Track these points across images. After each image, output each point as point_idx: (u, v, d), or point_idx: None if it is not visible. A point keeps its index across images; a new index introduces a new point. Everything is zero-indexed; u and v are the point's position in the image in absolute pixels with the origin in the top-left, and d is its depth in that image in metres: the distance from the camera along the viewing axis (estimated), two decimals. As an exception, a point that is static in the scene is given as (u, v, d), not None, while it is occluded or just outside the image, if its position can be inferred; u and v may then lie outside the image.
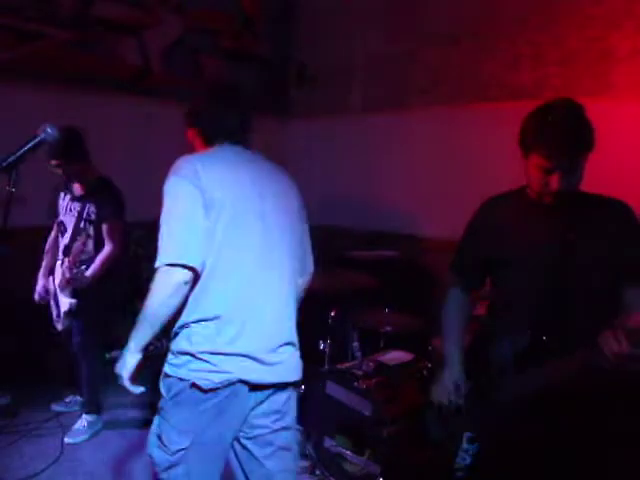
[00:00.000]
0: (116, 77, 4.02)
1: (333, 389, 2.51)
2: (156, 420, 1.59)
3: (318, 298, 3.20)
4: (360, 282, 3.15)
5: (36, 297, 2.95)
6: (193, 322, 1.51)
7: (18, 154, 1.50)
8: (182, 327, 1.53)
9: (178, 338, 1.54)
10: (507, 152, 3.43)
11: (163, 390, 1.56)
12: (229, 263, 1.52)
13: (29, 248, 2.93)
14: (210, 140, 1.70)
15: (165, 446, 1.53)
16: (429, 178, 3.98)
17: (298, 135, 5.06)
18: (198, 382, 1.48)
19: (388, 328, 2.90)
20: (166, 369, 1.55)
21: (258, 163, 1.71)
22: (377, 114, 4.38)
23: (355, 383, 2.45)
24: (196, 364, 1.49)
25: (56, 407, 3.18)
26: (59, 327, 2.91)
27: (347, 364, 2.74)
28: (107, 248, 2.81)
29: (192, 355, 1.49)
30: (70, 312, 2.82)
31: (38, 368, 3.23)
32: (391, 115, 4.27)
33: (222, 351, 1.50)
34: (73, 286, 2.75)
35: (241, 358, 1.51)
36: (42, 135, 1.55)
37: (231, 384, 1.50)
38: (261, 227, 1.58)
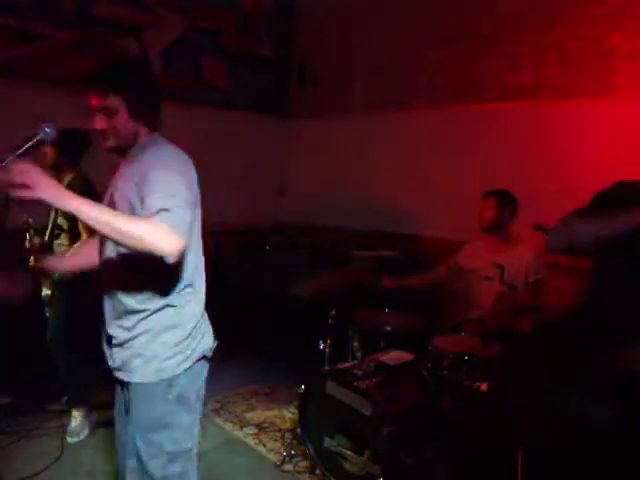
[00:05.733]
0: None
1: (333, 389, 2.51)
2: (159, 438, 1.59)
3: (318, 298, 3.21)
4: (360, 282, 3.15)
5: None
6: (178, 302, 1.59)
7: (17, 154, 1.50)
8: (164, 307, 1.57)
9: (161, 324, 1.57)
10: (507, 152, 3.45)
11: (160, 398, 1.58)
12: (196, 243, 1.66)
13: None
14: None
15: (178, 453, 1.62)
16: (429, 178, 3.98)
17: (298, 135, 5.06)
18: (206, 353, 1.67)
19: (388, 328, 2.90)
20: (163, 375, 1.58)
21: None
22: (377, 114, 4.38)
23: (355, 383, 2.44)
24: (196, 341, 1.64)
25: (51, 407, 3.17)
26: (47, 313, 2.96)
27: (347, 364, 2.73)
28: (82, 238, 2.83)
29: (188, 336, 1.61)
30: (45, 303, 2.89)
31: (38, 368, 3.23)
32: (391, 115, 4.27)
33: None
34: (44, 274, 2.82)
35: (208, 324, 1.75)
36: (41, 135, 1.54)
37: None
38: None
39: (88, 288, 2.84)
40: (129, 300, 1.56)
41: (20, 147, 1.52)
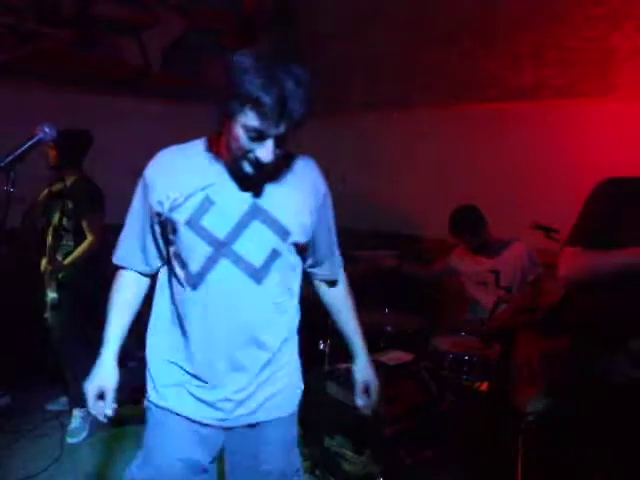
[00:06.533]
0: (116, 77, 4.02)
1: (333, 389, 2.51)
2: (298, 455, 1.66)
3: (318, 298, 3.21)
4: (360, 282, 3.14)
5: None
6: None
7: (16, 154, 1.50)
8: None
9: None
10: (507, 152, 3.45)
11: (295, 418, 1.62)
12: None
13: (28, 249, 2.94)
14: None
15: None
16: (429, 178, 3.98)
17: (297, 135, 5.05)
18: None
19: (388, 328, 2.90)
20: (300, 396, 1.62)
21: None
22: (377, 114, 4.38)
23: (355, 383, 2.44)
24: None
25: (51, 407, 3.18)
26: (47, 315, 2.96)
27: (347, 364, 2.73)
28: (88, 240, 2.87)
29: None
30: (52, 306, 2.88)
31: (38, 368, 3.23)
32: (391, 115, 4.27)
33: None
34: (53, 273, 2.84)
35: None
36: (40, 135, 1.54)
37: None
38: None
39: (92, 290, 2.86)
40: (272, 338, 1.47)
41: (20, 147, 1.52)
